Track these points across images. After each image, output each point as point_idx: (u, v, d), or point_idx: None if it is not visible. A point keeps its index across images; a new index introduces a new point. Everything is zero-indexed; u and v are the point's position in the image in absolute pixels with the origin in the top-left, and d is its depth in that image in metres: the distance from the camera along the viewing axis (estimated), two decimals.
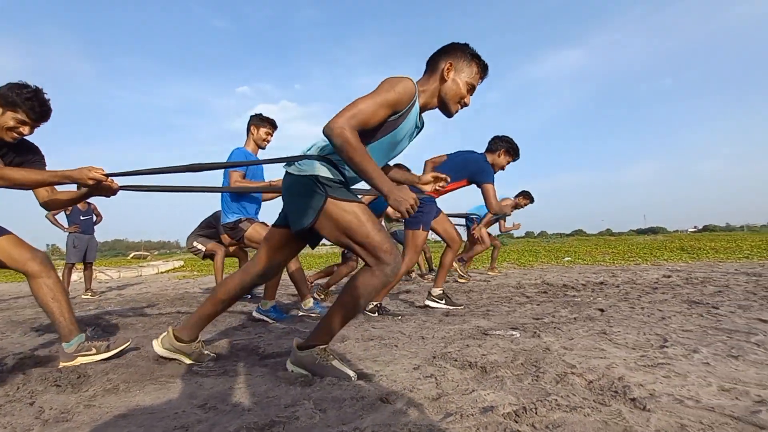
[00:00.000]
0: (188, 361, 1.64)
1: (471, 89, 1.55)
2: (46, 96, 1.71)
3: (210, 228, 4.30)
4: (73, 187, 1.86)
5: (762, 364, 1.38)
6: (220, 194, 2.85)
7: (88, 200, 5.26)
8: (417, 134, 1.59)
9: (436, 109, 1.58)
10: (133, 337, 2.31)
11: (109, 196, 1.73)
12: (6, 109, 1.65)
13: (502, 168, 3.08)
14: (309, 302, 2.84)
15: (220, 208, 4.29)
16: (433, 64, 1.54)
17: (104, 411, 1.16)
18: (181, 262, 11.17)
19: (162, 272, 9.28)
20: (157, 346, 1.66)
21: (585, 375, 1.28)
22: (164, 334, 1.68)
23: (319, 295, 3.61)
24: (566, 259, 8.28)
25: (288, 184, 1.46)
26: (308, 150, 1.49)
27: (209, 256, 4.22)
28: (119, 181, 1.72)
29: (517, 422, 0.95)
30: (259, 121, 2.86)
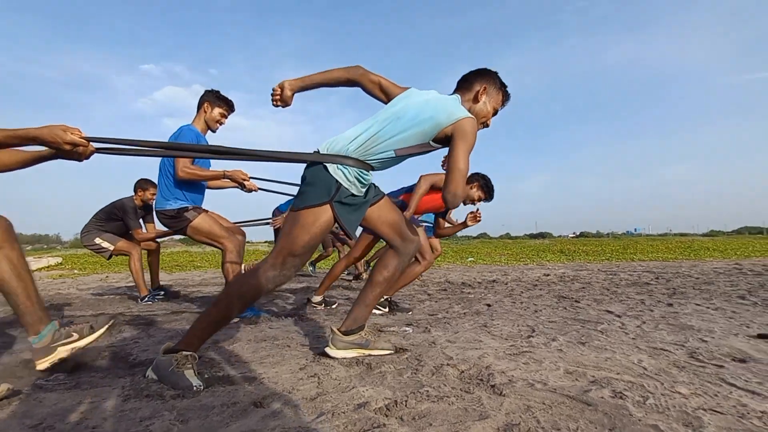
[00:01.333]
0: (370, 352, 1.57)
1: (495, 113, 1.67)
2: None
3: (114, 220, 3.61)
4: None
5: (602, 348, 1.63)
6: (158, 178, 2.54)
7: None
8: None
9: None
10: None
11: (80, 161, 1.34)
12: None
13: (472, 201, 3.23)
14: None
15: (122, 197, 3.70)
16: (467, 84, 1.62)
17: None
18: (59, 259, 9.45)
19: (33, 270, 7.79)
20: (333, 351, 1.56)
21: (459, 366, 1.37)
22: (331, 336, 1.59)
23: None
24: (469, 259, 8.96)
25: (313, 174, 1.43)
26: (350, 143, 1.45)
27: (118, 255, 3.60)
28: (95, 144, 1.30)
29: (386, 416, 0.98)
30: (215, 99, 2.51)
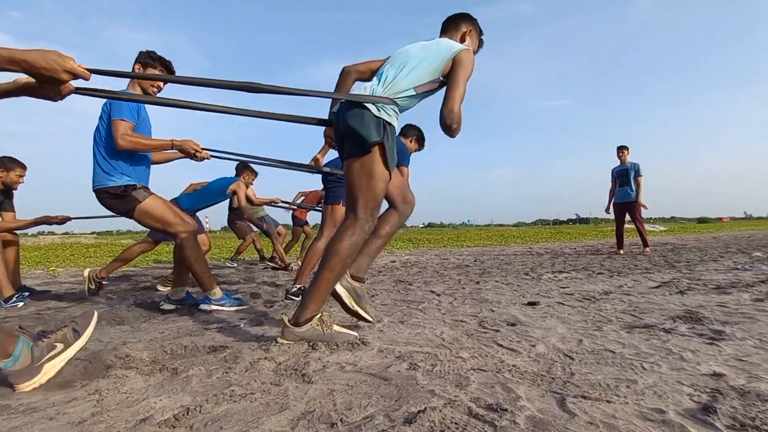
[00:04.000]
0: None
1: None
2: None
3: None
4: None
5: (416, 325, 1.83)
6: (92, 151, 2.18)
7: None
8: None
9: None
10: None
11: (56, 100, 1.20)
12: None
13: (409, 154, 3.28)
14: (216, 292, 2.35)
15: None
16: (455, 25, 1.79)
17: None
18: None
19: None
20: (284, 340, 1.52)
21: (277, 358, 1.34)
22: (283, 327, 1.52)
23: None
24: None
25: (361, 116, 1.49)
26: (382, 89, 1.56)
27: None
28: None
29: (173, 427, 0.87)
30: (148, 59, 2.21)
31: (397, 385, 1.08)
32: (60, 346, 1.22)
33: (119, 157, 2.15)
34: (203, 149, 2.31)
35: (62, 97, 1.19)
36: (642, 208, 5.74)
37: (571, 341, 1.52)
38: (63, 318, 2.26)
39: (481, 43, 1.90)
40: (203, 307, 2.35)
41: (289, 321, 1.52)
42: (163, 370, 1.27)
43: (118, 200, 2.15)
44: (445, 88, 1.61)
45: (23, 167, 2.98)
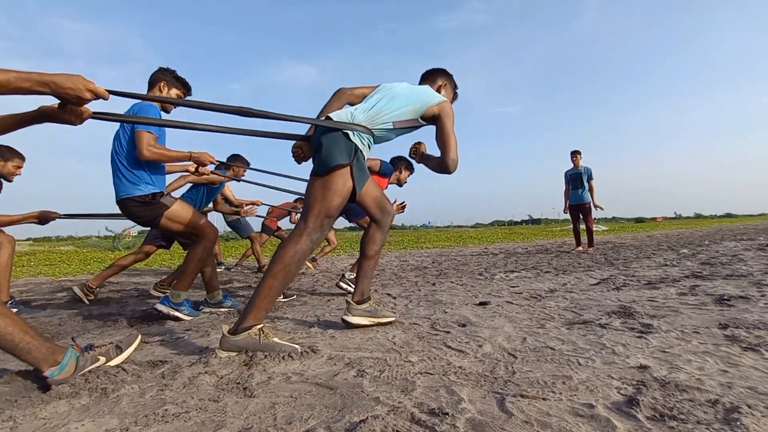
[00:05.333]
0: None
1: None
2: None
3: None
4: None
5: (369, 330, 1.82)
6: (111, 161, 2.21)
7: None
8: None
9: None
10: None
11: (77, 124, 1.27)
12: None
13: (400, 184, 3.43)
14: (218, 295, 2.50)
15: None
16: (432, 78, 1.98)
17: None
18: None
19: None
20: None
21: (219, 371, 1.28)
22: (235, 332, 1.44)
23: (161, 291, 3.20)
24: None
25: (334, 139, 1.59)
26: (363, 115, 1.67)
27: None
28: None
29: None
30: (173, 79, 2.30)
31: (342, 394, 1.06)
32: (102, 359, 1.32)
33: (142, 167, 2.19)
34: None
35: (81, 121, 1.27)
36: (598, 209, 6.14)
37: (516, 340, 1.58)
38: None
39: (455, 96, 2.08)
40: (159, 307, 2.27)
41: (228, 330, 1.46)
42: (92, 391, 1.17)
43: (145, 207, 2.17)
44: (415, 128, 1.81)
45: (22, 158, 2.76)
